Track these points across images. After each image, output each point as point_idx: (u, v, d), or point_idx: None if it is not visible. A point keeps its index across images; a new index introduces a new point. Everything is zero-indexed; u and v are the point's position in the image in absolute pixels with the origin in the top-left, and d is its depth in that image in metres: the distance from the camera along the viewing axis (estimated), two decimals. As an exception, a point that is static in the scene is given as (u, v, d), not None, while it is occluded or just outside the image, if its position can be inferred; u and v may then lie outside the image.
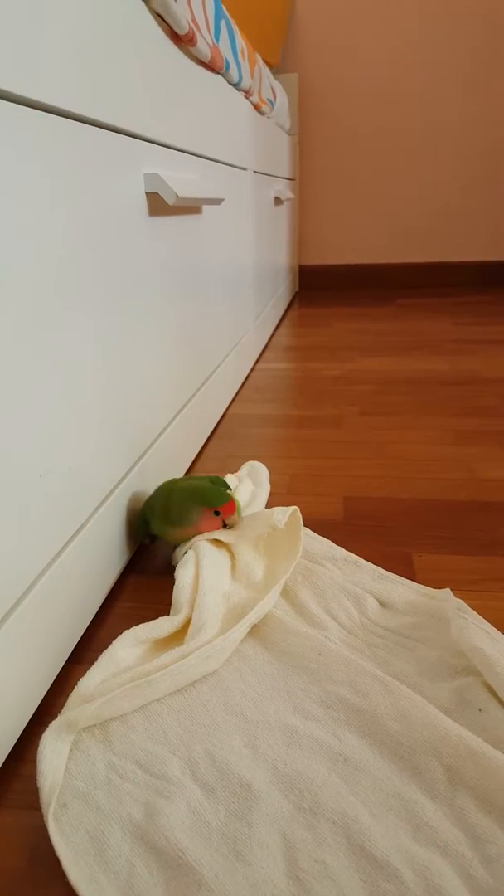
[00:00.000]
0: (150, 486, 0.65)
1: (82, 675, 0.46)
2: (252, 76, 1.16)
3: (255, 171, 1.26)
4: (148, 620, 0.51)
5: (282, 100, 1.63)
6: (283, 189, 1.70)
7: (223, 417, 1.03)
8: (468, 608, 0.49)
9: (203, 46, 0.74)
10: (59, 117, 0.43)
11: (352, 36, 2.09)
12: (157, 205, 0.65)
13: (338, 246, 2.36)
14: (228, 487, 0.60)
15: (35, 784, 0.38)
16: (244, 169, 1.15)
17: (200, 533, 0.59)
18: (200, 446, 0.88)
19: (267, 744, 0.41)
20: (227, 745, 0.41)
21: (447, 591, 0.53)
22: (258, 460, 0.81)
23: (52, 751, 0.39)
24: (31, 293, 0.40)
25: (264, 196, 1.41)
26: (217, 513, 0.57)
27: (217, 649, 0.47)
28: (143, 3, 0.58)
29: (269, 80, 1.41)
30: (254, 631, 0.51)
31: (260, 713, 0.43)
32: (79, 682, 0.44)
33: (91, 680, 0.45)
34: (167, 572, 0.60)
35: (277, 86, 1.59)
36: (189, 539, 0.59)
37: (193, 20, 0.71)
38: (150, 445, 0.66)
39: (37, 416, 0.41)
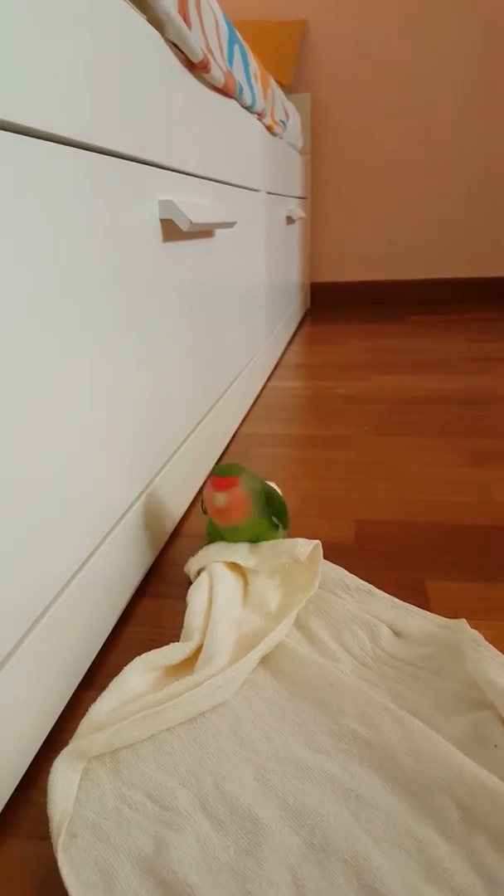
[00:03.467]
0: (163, 508, 0.65)
1: (93, 700, 0.45)
2: (265, 98, 1.17)
3: (267, 192, 1.27)
4: (159, 645, 0.51)
5: (294, 120, 1.64)
6: (295, 208, 1.71)
7: (234, 437, 1.03)
8: (483, 640, 0.49)
9: (217, 72, 0.75)
10: (76, 149, 0.43)
11: (364, 56, 2.11)
12: (172, 230, 0.65)
13: (350, 263, 2.36)
14: (270, 488, 0.60)
15: (45, 812, 0.38)
16: (256, 190, 1.15)
17: (208, 504, 0.58)
18: (212, 465, 0.88)
19: (277, 777, 0.41)
20: (236, 777, 0.41)
21: (462, 621, 0.52)
22: (270, 481, 0.81)
23: (63, 779, 0.38)
24: (50, 318, 0.40)
25: (276, 216, 1.42)
26: (213, 484, 0.57)
27: (228, 679, 0.46)
28: (158, 34, 0.59)
29: (281, 101, 1.42)
30: (265, 660, 0.50)
31: (270, 745, 0.43)
32: (90, 709, 0.44)
33: (102, 707, 0.45)
34: (178, 597, 0.60)
35: (290, 106, 1.61)
36: (215, 522, 0.59)
37: (207, 47, 0.72)
38: (162, 467, 0.66)
39: (51, 438, 0.41)
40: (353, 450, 0.95)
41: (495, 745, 0.42)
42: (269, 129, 1.26)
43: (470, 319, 2.03)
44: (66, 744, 0.42)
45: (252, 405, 1.19)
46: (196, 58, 0.67)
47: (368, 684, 0.48)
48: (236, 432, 1.05)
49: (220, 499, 0.56)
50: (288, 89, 2.14)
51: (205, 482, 0.61)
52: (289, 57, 2.00)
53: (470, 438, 0.98)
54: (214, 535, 0.62)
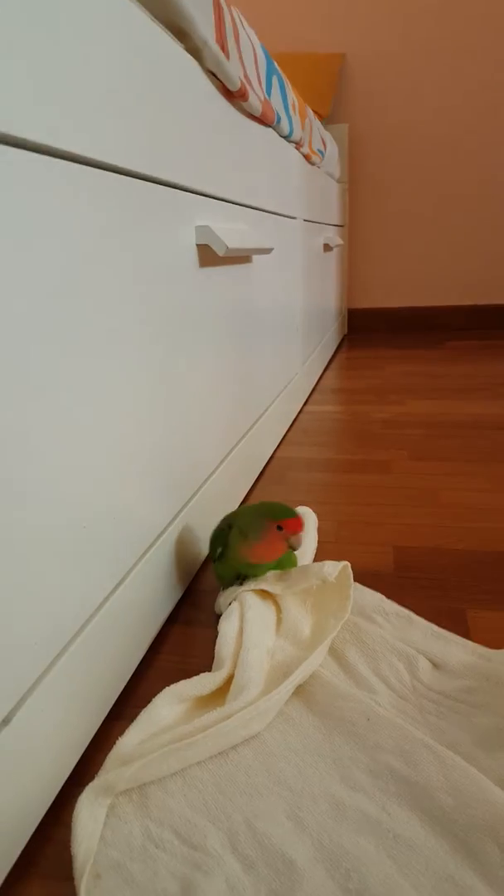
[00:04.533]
0: (196, 533, 0.64)
1: (122, 731, 0.44)
2: (303, 128, 1.18)
3: (304, 220, 1.28)
4: (189, 674, 0.50)
5: (332, 149, 1.66)
6: (333, 236, 1.72)
7: (271, 460, 1.02)
8: (528, 674, 0.46)
9: (255, 101, 0.76)
10: (118, 175, 0.44)
11: (400, 86, 2.13)
12: (208, 255, 0.65)
13: (386, 289, 2.36)
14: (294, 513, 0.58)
15: (69, 850, 0.37)
16: (294, 218, 1.16)
17: (265, 549, 0.56)
18: (248, 489, 0.87)
19: (311, 816, 0.39)
20: (269, 815, 0.39)
21: (504, 653, 0.50)
22: (306, 506, 0.80)
23: (88, 816, 0.37)
24: (87, 343, 0.40)
25: (314, 243, 1.42)
26: (280, 528, 0.55)
27: (260, 711, 0.45)
28: (195, 63, 0.60)
29: (319, 131, 1.43)
30: (299, 692, 0.49)
31: (304, 781, 0.41)
32: (117, 742, 0.43)
33: (130, 739, 0.43)
34: (210, 623, 0.59)
35: (328, 136, 1.62)
36: (254, 562, 0.57)
37: (245, 76, 0.73)
38: (197, 490, 0.65)
39: (83, 462, 0.41)
40: (391, 475, 0.93)
41: (542, 788, 0.40)
42: (306, 158, 1.27)
43: (510, 344, 2.00)
44: (92, 778, 0.41)
45: (289, 429, 1.19)
46: (234, 86, 0.68)
47: (407, 718, 0.46)
48: (273, 455, 1.04)
49: (299, 539, 0.56)
50: (326, 120, 2.16)
51: (224, 529, 0.59)
52: (327, 88, 2.02)
53: (511, 464, 0.96)
54: (231, 575, 0.60)
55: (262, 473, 0.96)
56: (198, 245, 0.63)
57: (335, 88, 2.10)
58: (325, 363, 1.76)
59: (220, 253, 0.62)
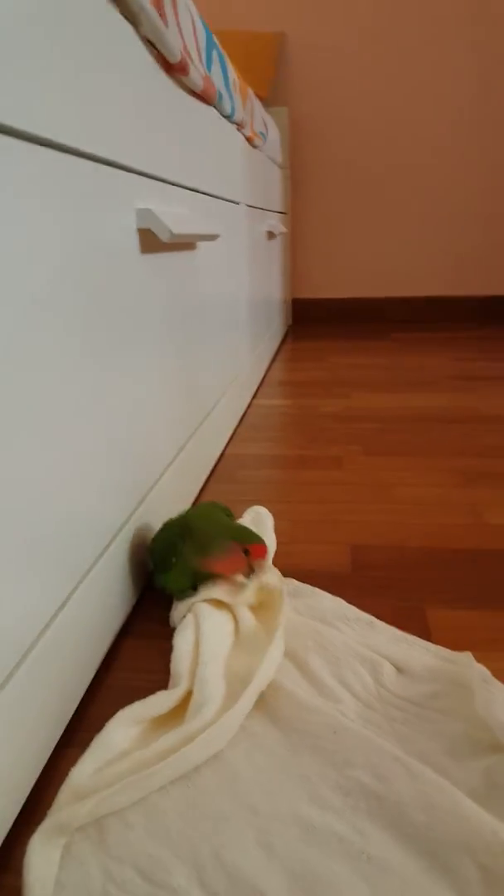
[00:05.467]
0: (148, 536, 0.61)
1: (75, 760, 0.41)
2: (244, 108, 1.15)
3: (247, 205, 1.25)
4: (144, 692, 0.47)
5: (273, 133, 1.63)
6: (276, 223, 1.69)
7: (221, 457, 0.99)
8: (493, 678, 0.46)
9: (195, 76, 0.73)
10: (46, 149, 0.40)
11: (342, 70, 2.11)
12: (150, 241, 0.62)
13: (330, 280, 2.35)
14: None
15: (21, 899, 0.34)
16: (237, 203, 1.13)
17: (225, 566, 0.56)
18: (198, 490, 0.84)
19: (282, 841, 0.37)
20: (237, 843, 0.37)
21: (468, 654, 0.49)
22: (260, 505, 0.78)
23: (41, 859, 0.34)
24: (18, 334, 0.36)
25: (257, 230, 1.40)
26: (247, 552, 0.55)
27: (223, 729, 0.43)
28: (132, 30, 0.56)
29: (261, 112, 1.40)
30: (262, 706, 0.47)
31: (272, 804, 0.39)
32: (70, 773, 0.40)
33: (84, 769, 0.40)
34: (165, 636, 0.56)
35: (269, 119, 1.59)
36: (205, 576, 0.57)
37: (185, 49, 0.70)
38: (147, 493, 0.62)
39: (25, 473, 0.37)
40: (344, 470, 0.92)
41: (514, 796, 0.39)
42: (249, 140, 1.24)
43: (454, 338, 2.02)
44: (44, 815, 0.37)
45: (238, 424, 1.16)
46: (173, 58, 0.64)
47: (374, 728, 0.44)
48: (223, 453, 1.01)
49: (261, 565, 0.56)
50: (265, 102, 2.13)
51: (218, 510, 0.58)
52: (266, 69, 1.99)
53: (459, 458, 0.96)
54: (184, 584, 0.58)
55: (212, 472, 0.94)
56: (139, 229, 0.59)
57: (274, 70, 2.07)
58: (272, 355, 1.74)
59: (164, 239, 0.59)
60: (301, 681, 0.49)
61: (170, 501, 0.69)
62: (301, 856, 0.36)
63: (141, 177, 0.59)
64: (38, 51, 0.38)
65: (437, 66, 2.08)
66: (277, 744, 0.44)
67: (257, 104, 1.36)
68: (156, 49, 0.62)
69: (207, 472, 0.90)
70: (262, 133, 1.39)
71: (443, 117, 2.13)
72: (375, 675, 0.49)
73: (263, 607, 0.57)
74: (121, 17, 0.53)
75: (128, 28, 0.55)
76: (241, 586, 0.57)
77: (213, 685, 0.46)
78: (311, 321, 2.41)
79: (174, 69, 0.66)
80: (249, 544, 0.56)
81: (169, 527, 0.58)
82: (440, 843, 0.36)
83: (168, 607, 0.60)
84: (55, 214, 0.41)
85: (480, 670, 0.47)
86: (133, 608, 0.60)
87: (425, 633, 0.55)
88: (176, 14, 0.66)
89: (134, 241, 0.57)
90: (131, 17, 0.54)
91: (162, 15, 0.59)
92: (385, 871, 0.35)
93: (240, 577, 0.57)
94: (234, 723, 0.44)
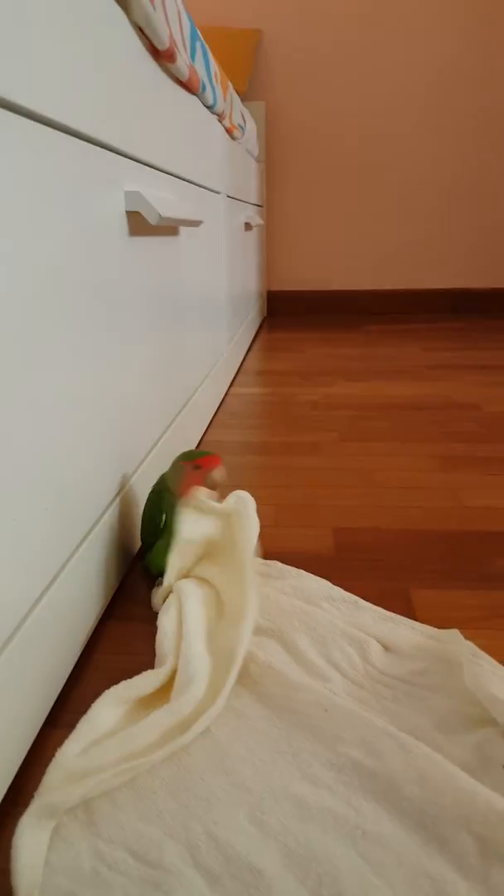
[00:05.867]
0: (130, 521, 0.61)
1: (61, 740, 0.40)
2: (225, 100, 1.14)
3: (227, 196, 1.24)
4: (130, 673, 0.46)
5: (251, 126, 1.62)
6: (253, 215, 1.69)
7: (200, 444, 0.99)
8: (482, 652, 0.46)
9: (182, 64, 0.72)
10: (35, 123, 0.39)
11: (318, 66, 2.11)
12: (138, 224, 0.61)
13: (305, 272, 2.35)
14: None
15: (9, 880, 0.33)
16: (217, 192, 1.12)
17: (182, 490, 0.57)
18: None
19: (275, 818, 0.36)
20: (230, 822, 0.36)
21: (455, 632, 0.49)
22: (242, 489, 0.77)
23: (31, 841, 0.33)
24: (3, 316, 0.35)
25: (236, 221, 1.39)
26: (197, 466, 0.57)
27: (217, 709, 0.42)
28: (123, 15, 0.55)
29: (239, 106, 1.39)
30: (250, 684, 0.46)
31: (264, 782, 0.39)
32: (57, 754, 0.39)
33: (71, 749, 0.40)
34: (148, 618, 0.55)
35: (246, 112, 1.59)
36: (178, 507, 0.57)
37: (172, 37, 0.69)
38: (130, 477, 0.61)
39: (11, 448, 0.36)
40: (323, 456, 0.92)
41: (503, 766, 0.39)
42: (228, 131, 1.23)
43: (424, 329, 2.04)
44: (31, 796, 0.36)
45: (216, 412, 1.15)
46: (162, 45, 0.63)
47: (364, 706, 0.44)
48: (202, 439, 1.00)
49: (222, 472, 0.58)
50: (243, 97, 2.12)
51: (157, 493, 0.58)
52: (243, 65, 1.98)
53: (436, 444, 0.97)
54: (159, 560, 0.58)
55: (191, 458, 0.93)
56: (128, 212, 0.58)
57: (251, 65, 2.06)
58: (248, 345, 1.73)
59: (153, 221, 0.58)
60: (289, 660, 0.49)
61: (151, 485, 0.68)
62: (296, 833, 0.36)
63: (129, 160, 0.58)
64: (34, 27, 0.37)
65: (411, 61, 2.09)
66: (267, 722, 0.43)
67: (236, 97, 1.36)
68: (145, 36, 0.61)
69: (187, 459, 0.89)
70: (240, 125, 1.38)
71: (416, 113, 2.14)
72: (363, 653, 0.49)
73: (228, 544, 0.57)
74: (113, 2, 0.52)
75: (119, 12, 0.54)
76: (197, 518, 0.58)
77: (198, 661, 0.46)
78: (286, 313, 2.41)
79: (162, 56, 0.65)
80: (197, 459, 0.57)
81: (148, 501, 0.59)
82: (435, 816, 0.36)
83: (149, 590, 0.59)
84: (45, 192, 0.40)
85: (468, 646, 0.47)
86: (116, 591, 0.59)
87: (410, 613, 0.55)
88: (164, 3, 0.65)
89: (122, 223, 0.56)
90: (122, 1, 0.54)
91: (151, 2, 0.58)
92: (381, 846, 0.35)
93: (200, 491, 0.58)
94: (223, 701, 0.43)
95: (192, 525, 0.57)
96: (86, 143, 0.47)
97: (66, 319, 0.44)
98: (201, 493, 0.58)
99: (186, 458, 0.58)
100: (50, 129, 0.41)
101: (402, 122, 2.15)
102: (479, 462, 0.89)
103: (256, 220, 1.65)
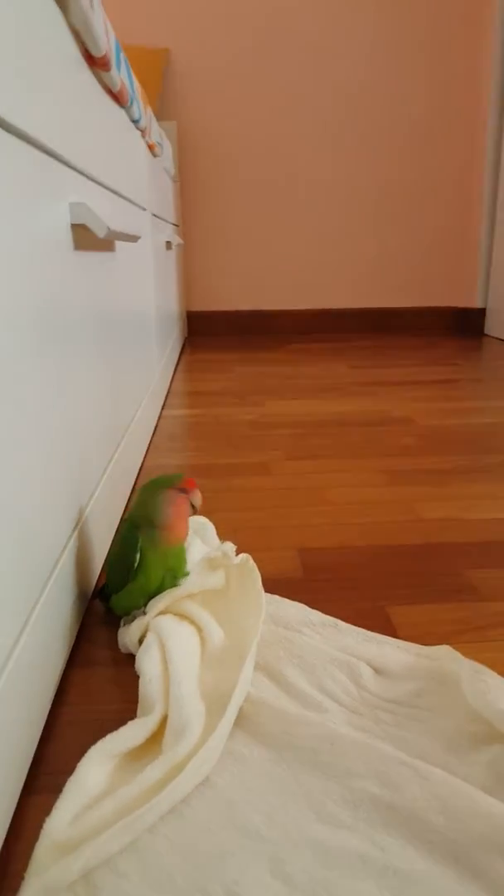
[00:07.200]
0: (87, 555, 0.56)
1: (44, 806, 0.36)
2: (146, 116, 1.12)
3: (152, 214, 1.21)
4: (106, 723, 0.42)
5: (167, 144, 1.61)
6: (173, 234, 1.67)
7: (141, 470, 0.95)
8: (484, 668, 0.45)
9: (115, 75, 0.69)
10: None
11: (228, 85, 2.13)
12: (83, 238, 0.57)
13: (223, 292, 2.35)
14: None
15: None
16: (144, 209, 1.09)
17: (177, 521, 0.53)
18: (124, 504, 0.79)
19: (298, 867, 0.34)
20: (250, 877, 0.33)
21: (447, 648, 0.49)
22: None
23: (33, 933, 0.29)
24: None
25: (159, 239, 1.37)
26: (183, 490, 0.54)
27: (211, 751, 0.39)
28: (62, 15, 0.52)
29: (156, 123, 1.38)
30: (242, 723, 0.43)
31: (278, 828, 0.36)
32: (46, 824, 0.35)
33: (61, 818, 0.35)
34: (114, 661, 0.51)
35: (161, 131, 1.57)
36: (176, 544, 0.54)
37: (107, 44, 0.66)
38: (83, 512, 0.57)
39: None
40: (272, 476, 0.90)
41: (522, 785, 0.38)
42: (150, 148, 1.21)
43: (347, 347, 2.08)
44: (20, 879, 0.32)
45: (153, 435, 1.11)
46: (98, 52, 0.60)
47: (368, 735, 0.42)
48: (142, 465, 0.96)
49: (199, 496, 0.55)
50: (155, 116, 2.11)
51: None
52: (153, 84, 1.97)
53: (380, 459, 0.97)
54: (138, 603, 0.54)
55: (135, 485, 0.89)
56: (73, 225, 0.55)
57: (161, 84, 2.06)
58: (174, 365, 1.70)
59: (101, 235, 0.55)
60: (280, 693, 0.46)
61: (105, 518, 0.64)
62: (323, 881, 0.33)
63: (72, 170, 0.55)
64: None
65: (320, 80, 2.15)
66: (269, 763, 0.40)
67: (153, 115, 1.34)
68: (81, 41, 0.58)
69: (130, 485, 0.85)
70: (159, 143, 1.37)
71: (328, 131, 2.20)
72: (354, 678, 0.47)
73: (230, 608, 0.54)
74: (52, 1, 0.49)
75: (57, 13, 0.51)
76: (207, 572, 0.56)
77: (191, 705, 0.42)
78: (206, 334, 2.39)
79: (97, 63, 0.63)
80: (179, 484, 0.54)
81: (121, 539, 0.53)
82: (465, 845, 0.34)
83: (113, 626, 0.55)
84: None
85: (468, 662, 0.46)
86: (78, 633, 0.55)
87: (391, 631, 0.54)
88: (93, 9, 0.62)
89: (67, 237, 0.53)
90: (61, 2, 0.51)
91: (91, 5, 0.56)
92: (415, 884, 0.33)
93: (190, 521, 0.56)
94: (221, 743, 0.40)
95: (201, 578, 0.55)
96: (31, 147, 0.44)
97: (9, 342, 0.40)
98: (194, 526, 0.55)
99: (164, 483, 0.54)
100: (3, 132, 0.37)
101: (314, 141, 2.21)
102: (425, 475, 0.90)
103: (177, 240, 1.63)
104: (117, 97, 0.78)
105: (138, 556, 0.51)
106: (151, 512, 0.52)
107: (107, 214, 0.64)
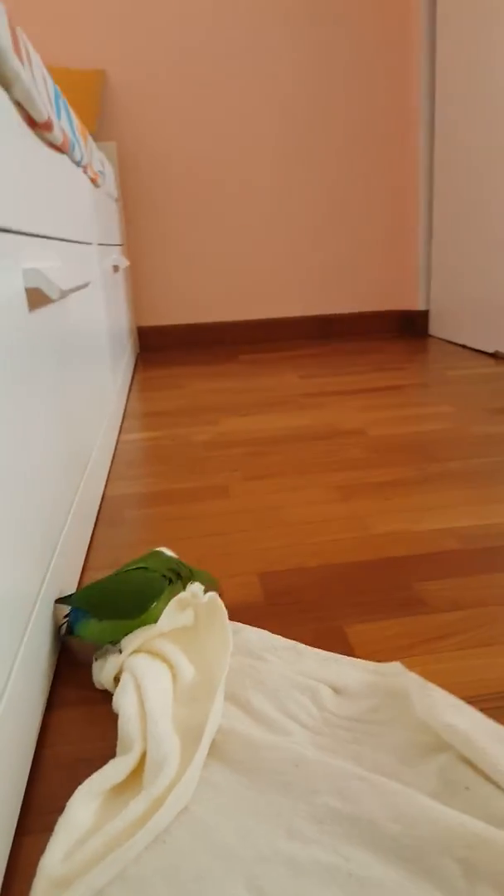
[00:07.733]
0: (62, 593, 0.59)
1: (38, 846, 0.39)
2: (86, 149, 1.14)
3: (98, 244, 1.24)
4: (90, 761, 0.46)
5: (109, 170, 1.63)
6: (118, 256, 1.69)
7: (102, 500, 0.97)
8: (431, 684, 0.50)
9: (58, 131, 0.72)
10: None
11: (165, 104, 2.16)
12: (37, 299, 0.60)
13: (172, 306, 2.38)
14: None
15: None
16: (90, 244, 1.12)
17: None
18: (88, 537, 0.82)
19: (271, 881, 0.38)
20: (227, 895, 0.37)
21: (397, 664, 0.53)
22: (153, 545, 0.78)
23: None
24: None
25: (107, 266, 1.39)
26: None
27: (188, 782, 0.43)
28: (4, 94, 0.55)
29: (96, 151, 1.40)
30: (216, 753, 0.47)
31: (251, 847, 0.40)
32: (41, 862, 0.38)
33: (54, 856, 0.39)
34: (89, 700, 0.54)
35: (102, 155, 1.59)
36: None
37: (46, 104, 0.69)
38: (56, 545, 0.60)
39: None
40: (231, 499, 0.94)
41: (466, 788, 0.43)
42: (93, 180, 1.23)
43: (295, 356, 2.13)
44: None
45: (111, 463, 1.14)
46: (41, 117, 0.63)
47: (329, 753, 0.47)
48: (103, 495, 0.99)
49: None
50: (93, 137, 2.12)
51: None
52: (91, 105, 1.98)
53: (332, 473, 1.02)
54: (108, 639, 0.57)
55: (98, 516, 0.92)
56: (27, 289, 0.57)
57: (99, 105, 2.07)
58: (128, 385, 1.73)
59: (55, 297, 0.58)
60: (247, 720, 0.51)
61: (73, 556, 0.67)
62: (295, 892, 0.37)
63: (22, 236, 0.58)
64: None
65: (257, 95, 2.19)
66: (241, 787, 0.44)
67: (93, 143, 1.36)
68: (23, 109, 0.61)
69: (93, 518, 0.88)
70: (101, 172, 1.39)
71: (267, 145, 2.25)
72: (316, 700, 0.52)
73: (198, 645, 0.58)
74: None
75: (1, 92, 0.53)
76: (177, 612, 0.59)
77: (168, 742, 0.46)
78: (157, 349, 2.42)
79: (40, 126, 0.66)
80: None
81: (145, 580, 0.58)
82: (418, 848, 0.39)
83: (83, 665, 0.58)
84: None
85: (415, 678, 0.51)
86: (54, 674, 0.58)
87: (348, 650, 0.58)
88: (31, 69, 0.65)
89: (22, 301, 0.56)
90: (4, 81, 0.53)
91: (31, 76, 0.59)
92: (374, 887, 0.37)
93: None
94: (198, 774, 0.44)
95: (172, 618, 0.58)
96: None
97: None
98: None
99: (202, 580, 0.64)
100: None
101: (254, 155, 2.25)
102: (374, 488, 0.95)
103: (123, 262, 1.66)
104: (60, 148, 0.80)
105: (155, 604, 0.56)
106: (194, 576, 0.63)
107: (57, 268, 0.67)
